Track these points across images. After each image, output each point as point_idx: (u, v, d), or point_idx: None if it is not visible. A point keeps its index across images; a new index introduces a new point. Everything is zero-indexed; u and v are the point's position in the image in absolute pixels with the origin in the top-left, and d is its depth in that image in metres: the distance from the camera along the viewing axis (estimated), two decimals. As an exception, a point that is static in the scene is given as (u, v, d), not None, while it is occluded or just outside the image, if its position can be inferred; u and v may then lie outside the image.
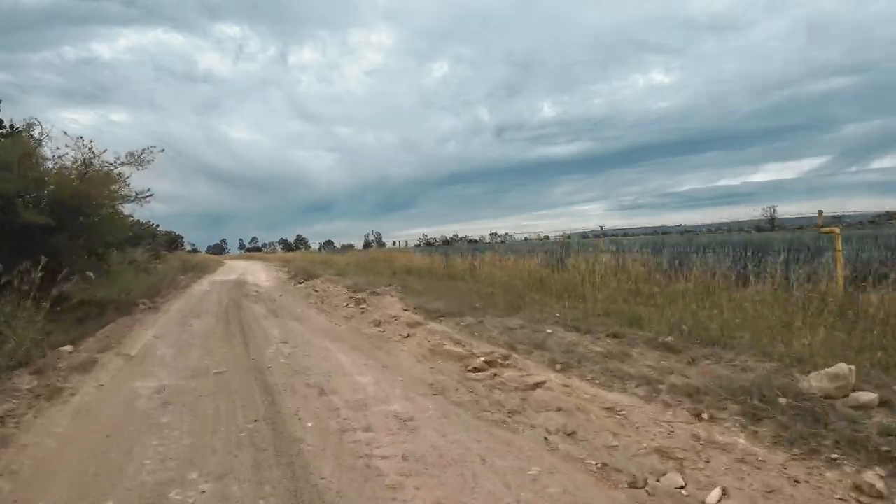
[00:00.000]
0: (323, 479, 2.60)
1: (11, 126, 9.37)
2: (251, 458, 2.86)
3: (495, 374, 4.59)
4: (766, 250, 9.38)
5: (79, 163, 8.04)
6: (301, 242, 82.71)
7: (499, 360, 4.92)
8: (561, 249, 10.79)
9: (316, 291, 12.21)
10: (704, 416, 3.52)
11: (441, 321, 6.83)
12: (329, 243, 72.30)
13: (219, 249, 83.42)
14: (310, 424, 3.34)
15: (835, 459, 2.71)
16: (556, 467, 2.80)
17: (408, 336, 6.31)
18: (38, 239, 8.50)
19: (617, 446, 3.07)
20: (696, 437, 3.27)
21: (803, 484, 2.53)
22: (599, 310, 6.40)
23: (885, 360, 3.79)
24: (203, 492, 2.49)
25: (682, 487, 2.57)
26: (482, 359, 4.99)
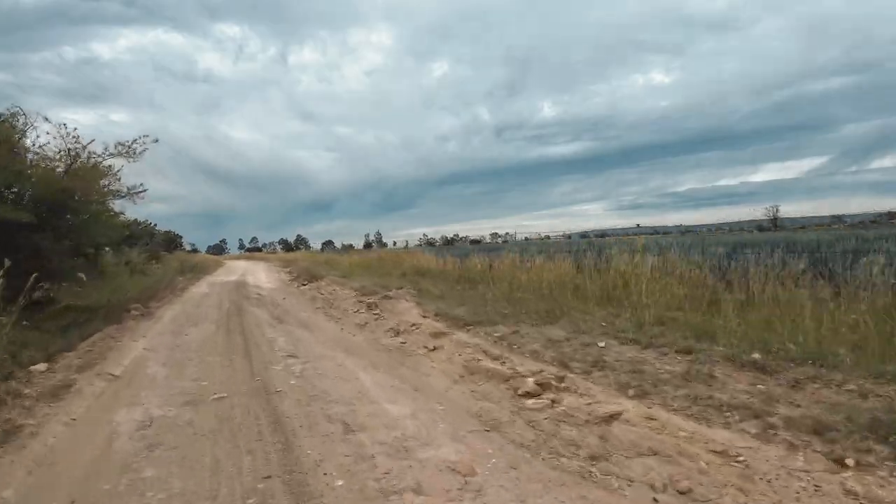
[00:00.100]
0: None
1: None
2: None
3: (554, 401, 3.74)
4: (815, 250, 8.57)
5: (63, 153, 7.14)
6: (301, 242, 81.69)
7: (553, 383, 4.07)
8: (593, 249, 9.96)
9: (321, 294, 11.34)
10: (848, 461, 2.69)
11: (469, 331, 5.98)
12: (329, 243, 71.41)
13: (219, 249, 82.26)
14: (340, 483, 2.48)
15: None
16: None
17: (434, 349, 5.45)
18: (18, 238, 7.61)
19: (765, 519, 2.23)
20: (851, 493, 2.45)
21: None
22: (651, 318, 5.55)
23: None
24: None
25: None
26: (531, 380, 4.14)
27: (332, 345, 5.95)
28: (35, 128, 7.45)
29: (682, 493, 2.50)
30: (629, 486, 2.58)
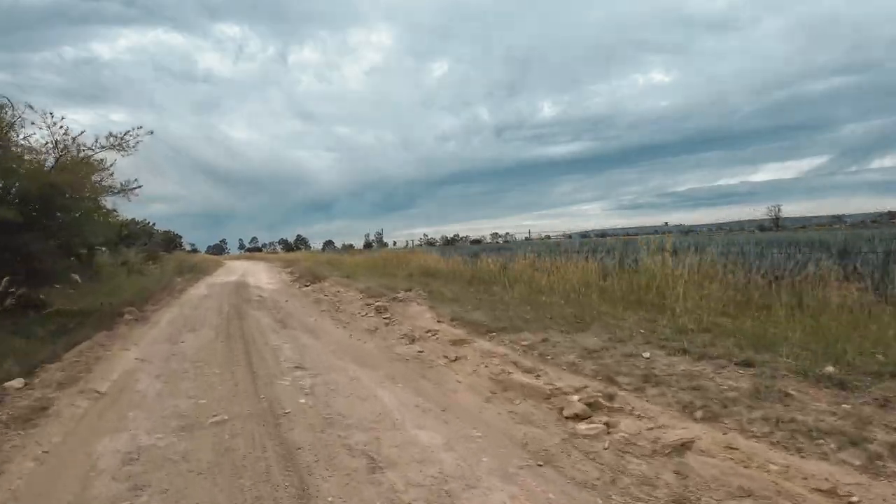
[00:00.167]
0: None
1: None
2: None
3: (609, 425, 3.20)
4: (846, 250, 8.05)
5: (50, 145, 6.56)
6: (301, 242, 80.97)
7: (602, 402, 3.52)
8: (605, 248, 9.43)
9: (326, 296, 10.77)
10: None
11: (492, 338, 5.43)
12: (330, 243, 70.73)
13: (218, 249, 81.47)
14: (373, 548, 1.93)
15: None
16: None
17: (456, 359, 4.90)
18: (4, 238, 7.04)
19: None
20: None
21: None
22: (692, 325, 5.01)
23: None
24: None
25: None
26: (576, 398, 3.60)
27: (341, 353, 5.39)
28: (23, 119, 6.88)
29: (806, 557, 1.96)
30: (734, 545, 2.04)
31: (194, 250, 55.33)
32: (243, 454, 2.80)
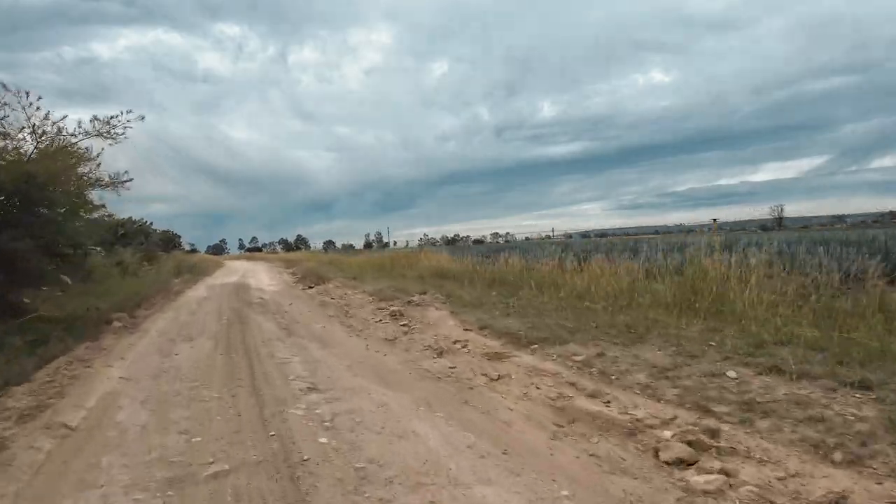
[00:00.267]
0: None
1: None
2: None
3: (727, 475, 2.41)
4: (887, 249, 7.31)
5: (28, 130, 5.72)
6: (301, 242, 79.93)
7: (705, 439, 2.74)
8: (665, 248, 8.67)
9: (332, 299, 9.96)
10: None
11: (534, 352, 4.65)
12: (330, 243, 69.76)
13: (218, 249, 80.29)
14: None
15: None
16: None
17: (499, 378, 4.11)
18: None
19: None
20: None
21: None
22: (768, 335, 4.24)
23: None
24: None
25: None
26: (669, 434, 2.83)
27: (359, 369, 4.59)
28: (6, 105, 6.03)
29: None
30: None
31: (194, 250, 54.22)
32: (251, 530, 2.01)
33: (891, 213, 38.62)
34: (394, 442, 2.85)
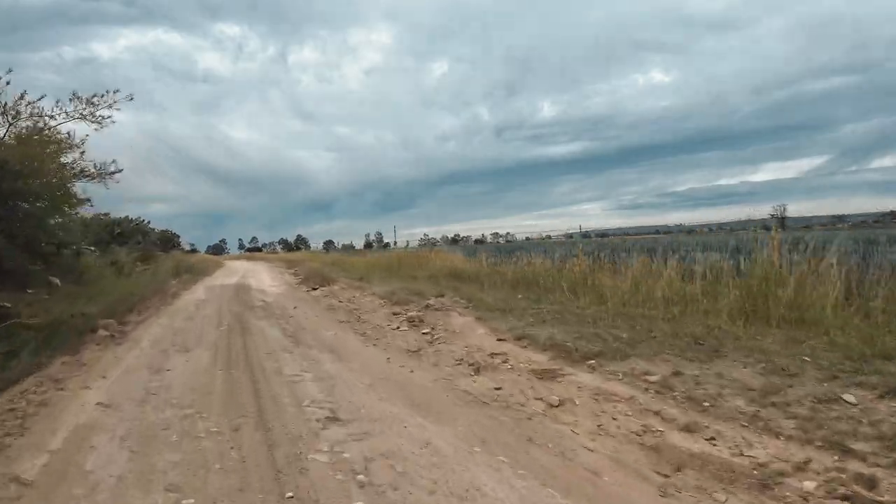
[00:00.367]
0: None
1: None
2: None
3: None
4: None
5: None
6: (301, 242, 78.87)
7: (862, 493, 2.00)
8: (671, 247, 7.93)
9: (340, 302, 9.17)
10: None
11: (592, 368, 3.88)
12: (330, 243, 68.79)
13: (218, 249, 79.05)
14: None
15: None
16: None
17: (560, 405, 3.34)
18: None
19: None
20: None
21: None
22: (868, 348, 3.50)
23: None
24: None
25: None
26: (813, 485, 2.09)
27: (384, 388, 3.82)
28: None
29: None
30: None
31: (193, 250, 53.13)
32: None
33: (892, 213, 38.10)
34: (456, 508, 2.08)
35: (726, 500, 2.13)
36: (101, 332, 5.67)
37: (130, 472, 2.47)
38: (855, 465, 2.27)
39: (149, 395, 3.73)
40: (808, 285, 4.58)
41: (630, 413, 3.10)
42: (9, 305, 7.13)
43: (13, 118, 4.97)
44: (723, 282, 5.40)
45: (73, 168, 5.82)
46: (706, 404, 3.05)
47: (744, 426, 2.75)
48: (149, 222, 22.12)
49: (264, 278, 16.36)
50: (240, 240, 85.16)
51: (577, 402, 3.32)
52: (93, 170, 5.85)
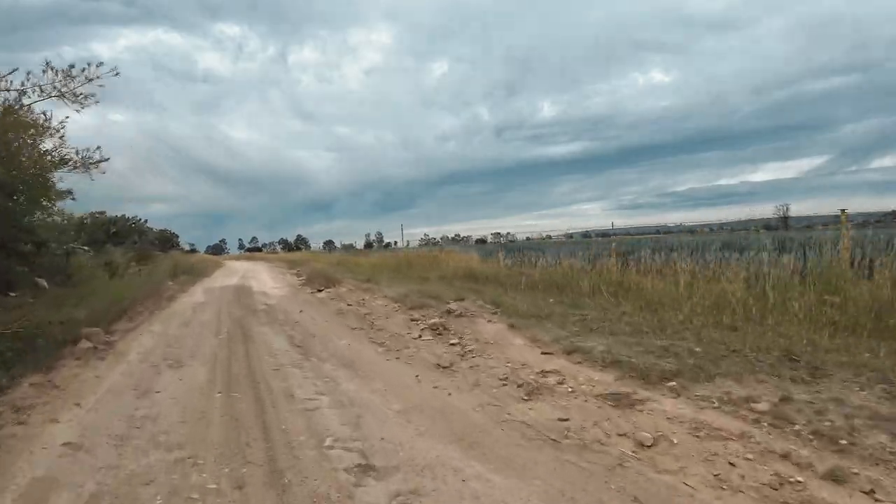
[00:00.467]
0: None
1: None
2: None
3: None
4: None
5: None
6: (302, 242, 77.84)
7: None
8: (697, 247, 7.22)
9: (349, 306, 8.40)
10: None
11: (676, 392, 3.13)
12: (330, 243, 67.78)
13: (218, 249, 77.91)
14: None
15: None
16: None
17: (653, 444, 2.59)
18: None
19: None
20: None
21: None
22: None
23: None
24: None
25: None
26: None
27: (422, 419, 3.06)
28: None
29: None
30: None
31: (193, 250, 52.14)
32: None
33: (893, 212, 37.55)
34: None
35: None
36: (83, 344, 4.88)
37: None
38: None
39: (131, 428, 2.95)
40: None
41: (750, 456, 2.36)
42: (-14, 311, 6.34)
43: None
44: (785, 285, 4.68)
45: (52, 156, 5.01)
46: (843, 442, 2.32)
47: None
48: (146, 221, 21.29)
49: (266, 279, 15.55)
50: (240, 240, 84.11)
51: (675, 441, 2.58)
52: (75, 157, 5.04)
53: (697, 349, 3.75)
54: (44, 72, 4.27)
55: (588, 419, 2.93)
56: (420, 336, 5.53)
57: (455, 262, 10.73)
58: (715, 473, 2.27)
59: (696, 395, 3.04)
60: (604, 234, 48.35)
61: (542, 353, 4.25)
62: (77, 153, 5.00)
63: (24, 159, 4.83)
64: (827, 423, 2.54)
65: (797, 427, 2.55)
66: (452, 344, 4.98)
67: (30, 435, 2.84)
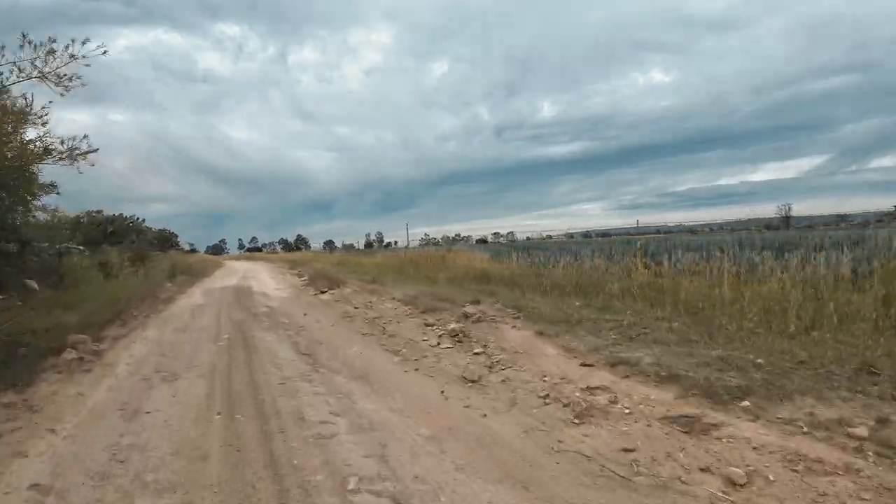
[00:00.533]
0: None
1: None
2: None
3: None
4: None
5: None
6: (302, 242, 77.12)
7: None
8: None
9: (356, 308, 7.90)
10: None
11: (754, 415, 2.65)
12: (330, 243, 67.14)
13: (218, 249, 77.02)
14: None
15: None
16: None
17: (746, 483, 2.11)
18: None
19: None
20: None
21: None
22: None
23: None
24: None
25: None
26: None
27: (456, 448, 2.58)
28: None
29: None
30: None
31: (193, 250, 51.35)
32: None
33: (893, 212, 37.32)
34: None
35: None
36: (68, 354, 4.36)
37: None
38: None
39: (114, 463, 2.46)
40: None
41: (867, 496, 1.90)
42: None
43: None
44: (839, 288, 4.22)
45: (36, 147, 4.50)
46: None
47: None
48: (143, 220, 20.67)
49: (267, 280, 15.03)
50: (239, 240, 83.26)
51: (772, 478, 2.10)
52: (60, 147, 4.52)
53: (760, 360, 3.28)
54: (21, 46, 3.74)
55: (658, 449, 2.45)
56: (439, 343, 5.04)
57: (463, 263, 10.24)
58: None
59: (778, 418, 2.57)
60: (604, 234, 47.98)
61: (582, 365, 3.77)
62: (62, 143, 4.48)
63: (6, 150, 4.31)
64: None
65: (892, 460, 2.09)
66: (476, 353, 4.50)
67: (-9, 473, 2.34)
